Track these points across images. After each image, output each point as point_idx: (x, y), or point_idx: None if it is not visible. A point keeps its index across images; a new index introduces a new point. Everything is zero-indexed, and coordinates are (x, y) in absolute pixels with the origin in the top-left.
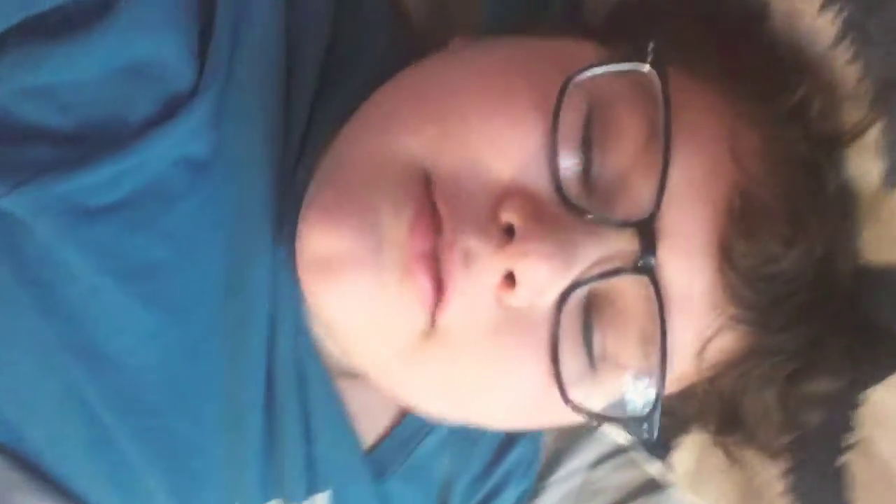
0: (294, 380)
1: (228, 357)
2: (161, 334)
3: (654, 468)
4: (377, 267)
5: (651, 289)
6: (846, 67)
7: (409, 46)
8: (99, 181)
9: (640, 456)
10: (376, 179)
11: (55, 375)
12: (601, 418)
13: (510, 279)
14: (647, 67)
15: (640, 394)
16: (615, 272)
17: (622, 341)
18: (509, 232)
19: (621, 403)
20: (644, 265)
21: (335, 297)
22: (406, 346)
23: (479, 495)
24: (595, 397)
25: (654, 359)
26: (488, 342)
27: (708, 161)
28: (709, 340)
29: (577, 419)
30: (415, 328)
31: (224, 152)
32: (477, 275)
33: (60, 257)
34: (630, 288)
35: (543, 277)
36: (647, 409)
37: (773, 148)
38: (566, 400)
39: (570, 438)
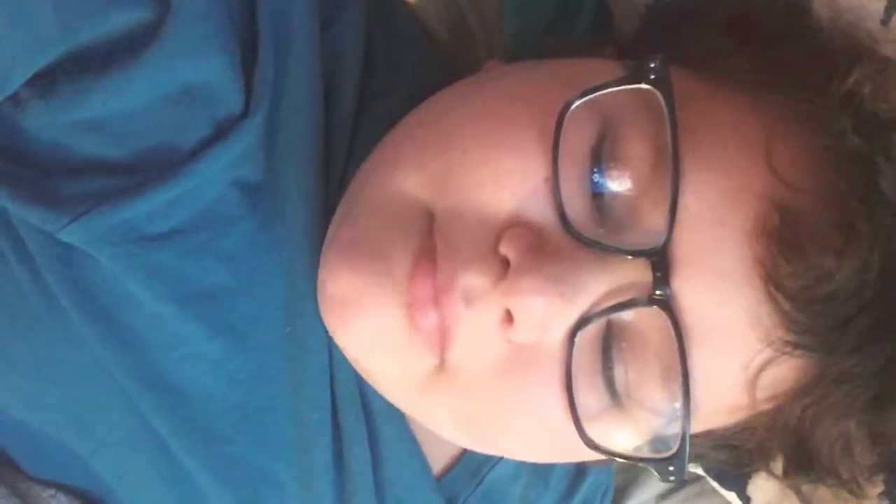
0: (357, 403)
1: (293, 382)
2: (226, 361)
3: (731, 496)
4: (386, 310)
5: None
6: None
7: (443, 61)
8: (156, 207)
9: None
10: (385, 220)
11: (125, 408)
12: (622, 457)
13: (510, 315)
14: (647, 86)
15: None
16: (629, 304)
17: (644, 375)
18: (507, 266)
19: (660, 440)
20: (659, 296)
21: (349, 337)
22: (419, 382)
23: None
24: (624, 433)
25: (679, 394)
26: (499, 377)
27: (733, 176)
28: (761, 370)
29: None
30: (425, 366)
31: (274, 177)
32: (479, 313)
33: (123, 286)
34: (649, 320)
35: (539, 313)
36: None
37: (817, 147)
38: (583, 437)
39: (636, 471)
